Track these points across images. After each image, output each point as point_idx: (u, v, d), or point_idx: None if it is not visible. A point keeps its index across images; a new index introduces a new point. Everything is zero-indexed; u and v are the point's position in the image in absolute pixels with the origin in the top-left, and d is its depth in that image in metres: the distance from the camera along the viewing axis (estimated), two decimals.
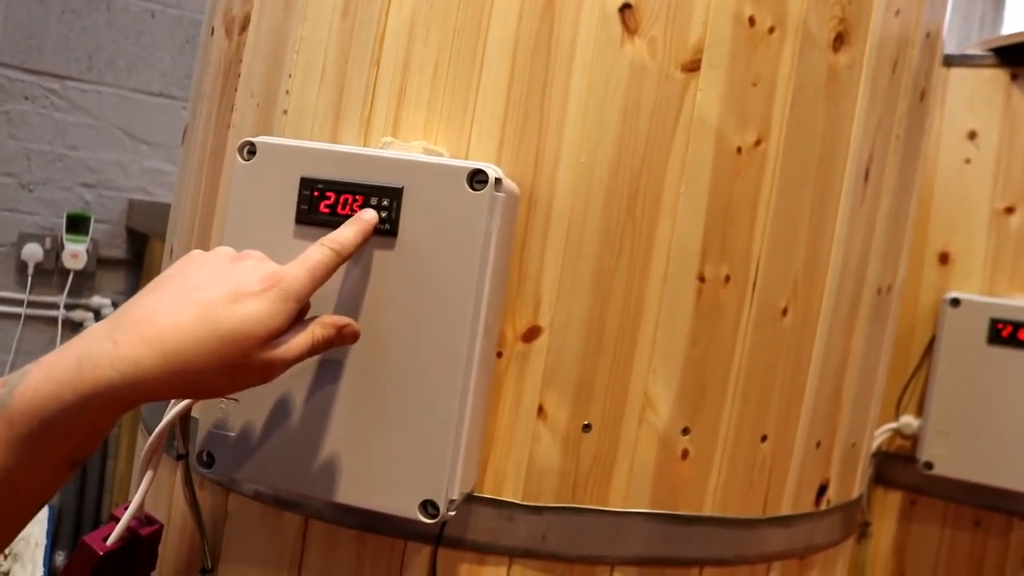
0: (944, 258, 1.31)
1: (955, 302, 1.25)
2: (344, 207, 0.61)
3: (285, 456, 0.63)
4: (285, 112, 0.73)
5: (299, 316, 0.58)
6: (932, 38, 0.92)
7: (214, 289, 0.53)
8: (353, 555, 0.70)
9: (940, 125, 1.31)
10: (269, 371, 0.54)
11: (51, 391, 0.49)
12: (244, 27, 0.80)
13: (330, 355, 0.62)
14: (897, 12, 0.82)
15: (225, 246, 0.59)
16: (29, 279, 2.38)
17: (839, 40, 0.76)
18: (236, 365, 0.52)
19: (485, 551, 0.68)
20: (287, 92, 0.73)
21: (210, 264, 0.56)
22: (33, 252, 2.37)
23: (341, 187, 0.61)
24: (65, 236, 2.39)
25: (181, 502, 0.76)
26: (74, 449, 0.51)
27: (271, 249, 0.60)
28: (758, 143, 0.71)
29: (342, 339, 0.59)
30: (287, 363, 0.55)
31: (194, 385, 0.52)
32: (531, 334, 0.67)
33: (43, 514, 2.18)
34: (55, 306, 2.43)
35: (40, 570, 2.02)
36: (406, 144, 0.67)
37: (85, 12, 2.38)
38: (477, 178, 0.60)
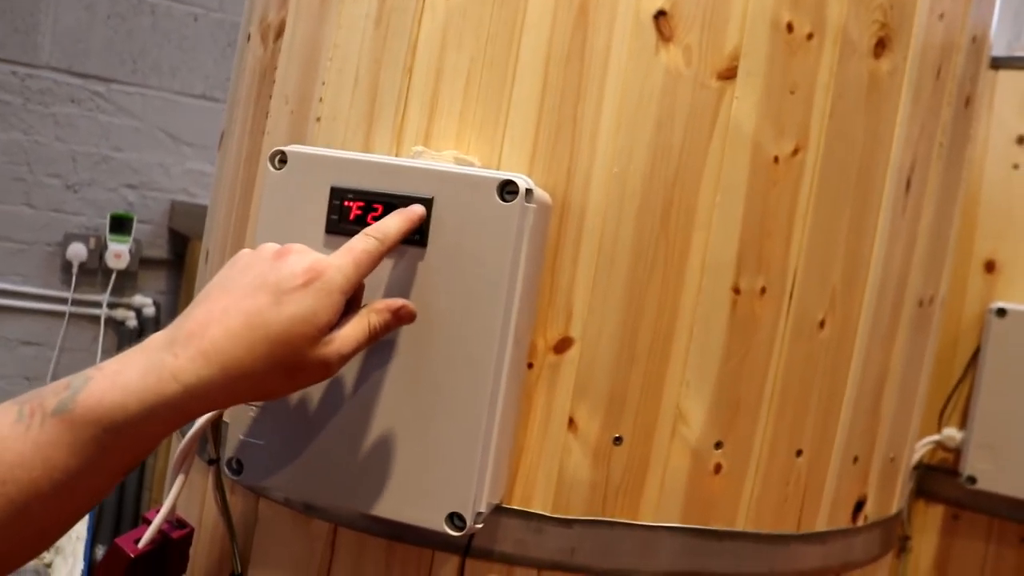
0: (990, 267, 1.27)
1: (1001, 312, 1.21)
2: (374, 217, 0.61)
3: (313, 466, 0.63)
4: (318, 119, 0.73)
5: (354, 304, 0.58)
6: (978, 42, 0.89)
7: (257, 293, 0.53)
8: (381, 563, 0.69)
9: (987, 129, 1.28)
10: (327, 367, 0.54)
11: (116, 400, 0.49)
12: (279, 34, 0.80)
13: (359, 367, 0.62)
14: (941, 16, 0.80)
15: (269, 243, 0.58)
16: (73, 278, 2.43)
17: (880, 46, 0.74)
18: (292, 365, 0.53)
19: (513, 563, 0.68)
20: (320, 99, 0.73)
21: (253, 265, 0.56)
22: (78, 252, 2.41)
23: (371, 197, 0.61)
24: (108, 236, 2.43)
25: (212, 506, 0.77)
26: (133, 457, 0.51)
27: None
28: (796, 152, 0.70)
29: (399, 321, 0.59)
30: (345, 357, 0.55)
31: (255, 389, 0.53)
32: (562, 345, 0.67)
33: None
34: (98, 304, 2.47)
35: (81, 563, 2.05)
36: (437, 153, 0.66)
37: (130, 16, 2.42)
38: (507, 189, 0.59)
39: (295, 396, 0.64)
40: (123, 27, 2.42)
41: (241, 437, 0.65)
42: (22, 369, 2.43)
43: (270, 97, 0.80)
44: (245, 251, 0.59)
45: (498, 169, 0.66)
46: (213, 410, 0.53)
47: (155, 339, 0.53)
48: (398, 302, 0.59)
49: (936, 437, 1.27)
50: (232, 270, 0.57)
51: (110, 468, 0.51)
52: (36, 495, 0.48)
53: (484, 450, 0.60)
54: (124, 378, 0.50)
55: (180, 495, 0.69)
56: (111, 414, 0.49)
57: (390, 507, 0.62)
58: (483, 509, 0.61)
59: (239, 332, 0.52)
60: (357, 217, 0.61)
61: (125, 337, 2.50)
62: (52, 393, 0.50)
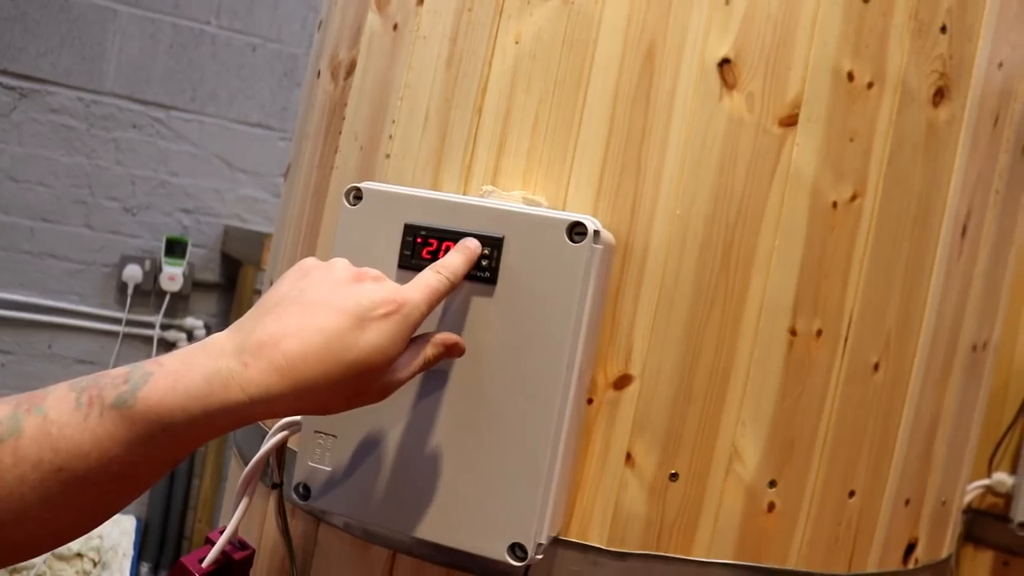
0: None
1: None
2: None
3: (378, 492, 0.65)
4: (388, 156, 0.76)
5: None
6: None
7: (338, 315, 0.53)
8: None
9: None
10: (384, 392, 0.56)
11: (178, 403, 0.49)
12: (350, 72, 0.83)
13: (427, 396, 0.64)
14: (1000, 65, 0.81)
15: (341, 259, 0.59)
16: (128, 299, 2.49)
17: (939, 95, 0.75)
18: (358, 390, 0.55)
19: None
20: (390, 137, 0.76)
21: (326, 281, 0.56)
22: (133, 273, 2.47)
23: (444, 235, 0.64)
24: (163, 259, 2.49)
25: (273, 529, 0.79)
26: (185, 453, 0.52)
27: None
28: (854, 198, 0.71)
29: (450, 355, 0.62)
30: (400, 383, 0.57)
31: (316, 406, 0.54)
32: (622, 382, 0.68)
33: (130, 527, 2.25)
34: (151, 326, 2.53)
35: None
36: (506, 193, 0.69)
37: (191, 46, 2.50)
38: (576, 230, 0.61)
39: (365, 424, 0.66)
40: (184, 56, 2.49)
41: (309, 463, 0.67)
42: None
43: (340, 133, 0.82)
44: (311, 261, 0.59)
45: (563, 208, 0.68)
46: (273, 417, 0.54)
47: (218, 341, 0.53)
48: (452, 337, 0.61)
49: (986, 481, 1.26)
50: (303, 281, 0.56)
51: (167, 461, 0.52)
52: (90, 483, 0.49)
53: (547, 482, 0.62)
54: (187, 381, 0.50)
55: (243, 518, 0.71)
56: (171, 415, 0.49)
57: (451, 535, 0.64)
58: (543, 540, 0.63)
59: (316, 353, 0.52)
60: (430, 253, 0.64)
61: None
62: (111, 384, 0.50)
